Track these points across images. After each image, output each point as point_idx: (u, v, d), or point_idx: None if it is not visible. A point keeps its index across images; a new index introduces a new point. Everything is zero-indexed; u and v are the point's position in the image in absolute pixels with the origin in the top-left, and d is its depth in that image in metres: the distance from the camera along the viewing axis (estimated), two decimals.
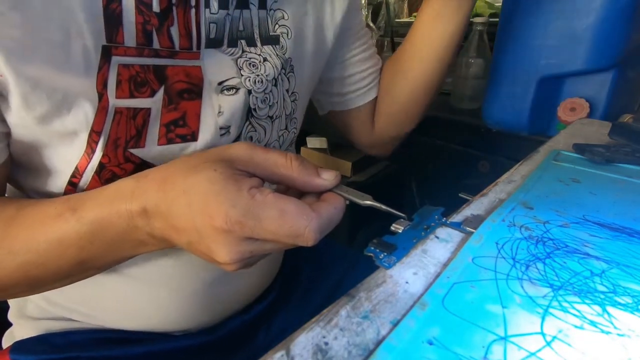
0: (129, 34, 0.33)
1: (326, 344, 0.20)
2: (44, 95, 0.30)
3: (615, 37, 0.56)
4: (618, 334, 0.20)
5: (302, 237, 0.27)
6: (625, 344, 0.19)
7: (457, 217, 0.32)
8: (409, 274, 0.25)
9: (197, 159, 0.29)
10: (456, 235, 0.29)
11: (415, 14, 1.31)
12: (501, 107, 0.67)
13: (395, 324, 0.21)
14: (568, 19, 0.57)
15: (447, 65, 0.56)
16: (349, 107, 0.59)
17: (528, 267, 0.25)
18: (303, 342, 0.20)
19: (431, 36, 0.54)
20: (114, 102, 0.33)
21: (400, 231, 0.30)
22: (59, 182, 0.35)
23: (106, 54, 0.32)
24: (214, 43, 0.38)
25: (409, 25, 1.27)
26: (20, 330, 0.46)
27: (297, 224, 0.26)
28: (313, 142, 1.14)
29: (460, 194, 0.37)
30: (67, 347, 0.42)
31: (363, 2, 1.22)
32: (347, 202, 0.30)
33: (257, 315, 0.51)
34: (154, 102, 0.35)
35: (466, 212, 0.33)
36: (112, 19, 0.32)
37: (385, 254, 0.27)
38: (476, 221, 0.30)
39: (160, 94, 0.35)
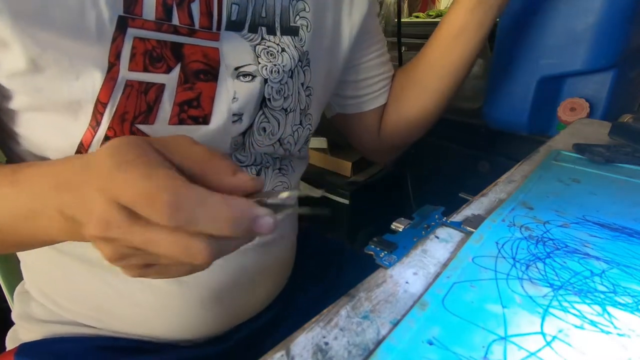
0: (149, 7, 0.32)
1: (326, 344, 0.20)
2: (52, 59, 0.30)
3: (615, 37, 0.56)
4: (618, 334, 0.20)
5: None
6: (625, 344, 0.19)
7: (457, 217, 0.32)
8: (409, 274, 0.25)
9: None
10: (456, 235, 0.29)
11: (415, 14, 1.31)
12: (501, 107, 0.67)
13: (395, 324, 0.21)
14: (568, 19, 0.57)
15: (461, 81, 0.56)
16: (358, 110, 0.59)
17: (528, 266, 0.25)
18: (303, 342, 0.20)
19: (451, 54, 0.54)
20: (125, 74, 0.32)
21: (400, 230, 0.30)
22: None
23: (122, 25, 0.31)
24: (235, 26, 0.38)
25: (409, 25, 1.27)
26: (25, 332, 0.45)
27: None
28: (313, 142, 1.14)
29: (460, 194, 0.37)
30: (74, 354, 0.42)
31: None
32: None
33: (266, 323, 0.50)
34: (170, 79, 0.34)
35: (466, 212, 0.33)
36: None
37: (386, 252, 0.27)
38: (476, 221, 0.30)
39: (176, 71, 0.35)
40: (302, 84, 0.44)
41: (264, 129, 0.41)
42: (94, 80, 0.31)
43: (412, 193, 0.97)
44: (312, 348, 0.20)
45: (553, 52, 0.59)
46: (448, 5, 1.30)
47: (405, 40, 1.26)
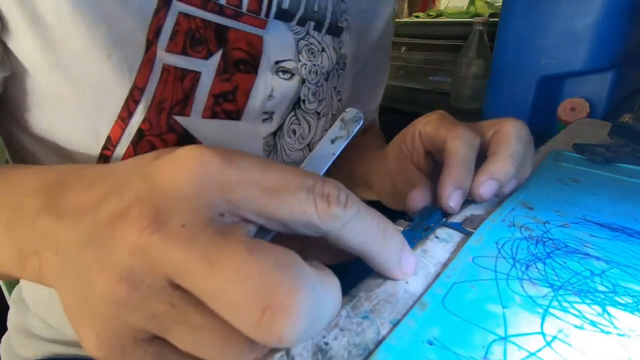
0: None
1: (326, 344, 0.20)
2: (80, 32, 0.25)
3: (615, 37, 0.56)
4: (618, 334, 0.20)
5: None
6: (625, 344, 0.19)
7: (457, 217, 0.32)
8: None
9: None
10: (456, 235, 0.29)
11: (415, 14, 1.31)
12: (501, 107, 0.68)
13: (395, 324, 0.21)
14: (568, 19, 0.57)
15: None
16: None
17: (528, 267, 0.25)
18: (303, 342, 0.20)
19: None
20: (162, 55, 0.29)
21: (400, 231, 0.30)
22: (87, 157, 0.30)
23: None
24: (285, 15, 0.35)
25: (409, 25, 1.27)
26: (23, 347, 0.44)
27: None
28: None
29: None
30: None
31: None
32: None
33: None
34: (208, 66, 0.31)
35: (466, 212, 0.33)
36: None
37: None
38: (476, 221, 0.30)
39: (216, 58, 0.32)
40: (335, 88, 0.42)
41: (294, 131, 0.39)
42: (130, 62, 0.27)
43: None
44: (312, 348, 0.20)
45: (553, 52, 0.59)
46: (448, 5, 1.30)
47: (406, 40, 1.27)
